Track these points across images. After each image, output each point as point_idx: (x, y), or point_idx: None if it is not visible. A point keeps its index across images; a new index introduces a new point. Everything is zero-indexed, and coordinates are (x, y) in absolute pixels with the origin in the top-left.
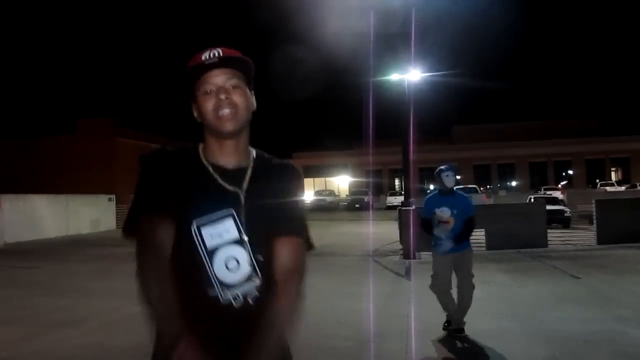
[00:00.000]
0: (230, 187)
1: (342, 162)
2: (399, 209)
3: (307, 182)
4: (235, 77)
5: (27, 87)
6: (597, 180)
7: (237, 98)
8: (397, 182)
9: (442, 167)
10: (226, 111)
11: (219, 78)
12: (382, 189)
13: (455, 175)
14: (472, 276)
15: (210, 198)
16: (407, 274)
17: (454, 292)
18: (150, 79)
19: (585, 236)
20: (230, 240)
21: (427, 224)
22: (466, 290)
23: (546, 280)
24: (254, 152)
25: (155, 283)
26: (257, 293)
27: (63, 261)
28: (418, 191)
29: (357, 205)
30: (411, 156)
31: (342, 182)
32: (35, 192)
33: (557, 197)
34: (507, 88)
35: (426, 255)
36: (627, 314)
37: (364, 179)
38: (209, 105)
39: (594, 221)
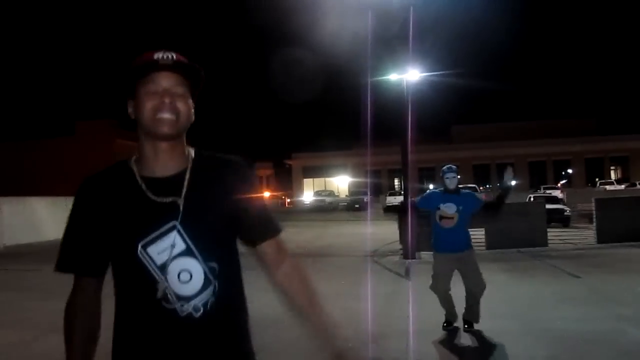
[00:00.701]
0: (167, 199)
1: (341, 162)
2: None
3: (307, 182)
4: (183, 85)
5: (27, 91)
6: (597, 179)
7: (180, 105)
8: (396, 182)
9: (444, 168)
10: (166, 115)
11: (167, 81)
12: (381, 189)
13: (457, 177)
14: (481, 274)
15: (150, 214)
16: (407, 274)
17: (461, 290)
18: None
19: (585, 235)
20: (178, 252)
21: (407, 209)
22: (478, 288)
23: (546, 280)
24: (192, 153)
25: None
26: (214, 299)
27: None
28: (417, 191)
29: (356, 206)
30: (410, 156)
31: (341, 183)
32: (35, 195)
33: (556, 196)
34: (506, 88)
35: (426, 255)
36: (628, 313)
37: (363, 180)
38: (149, 104)
39: (594, 220)
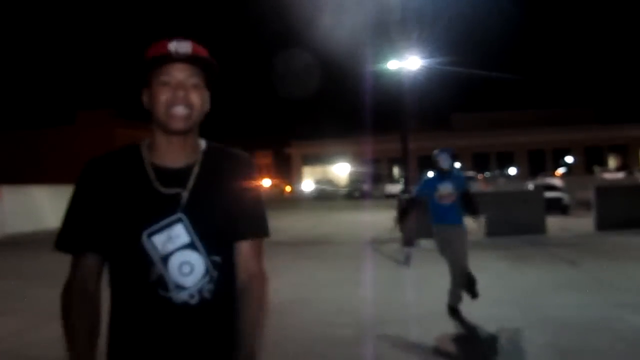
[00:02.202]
0: (173, 191)
1: (341, 150)
2: (399, 197)
3: (307, 170)
4: (197, 76)
5: (27, 81)
6: (594, 166)
7: (194, 98)
8: (396, 170)
9: (435, 151)
10: (180, 109)
11: (181, 73)
12: (381, 178)
13: (450, 157)
14: (467, 254)
15: (157, 205)
16: (406, 261)
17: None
18: None
19: (584, 223)
20: (182, 244)
21: (413, 204)
22: (459, 262)
23: (545, 267)
24: (203, 145)
25: (74, 325)
26: (213, 286)
27: None
28: (417, 179)
29: (356, 194)
30: (410, 144)
31: (341, 171)
32: (36, 183)
33: (556, 185)
34: (505, 77)
35: (425, 243)
36: (626, 299)
37: (363, 168)
38: (163, 97)
39: (593, 207)
